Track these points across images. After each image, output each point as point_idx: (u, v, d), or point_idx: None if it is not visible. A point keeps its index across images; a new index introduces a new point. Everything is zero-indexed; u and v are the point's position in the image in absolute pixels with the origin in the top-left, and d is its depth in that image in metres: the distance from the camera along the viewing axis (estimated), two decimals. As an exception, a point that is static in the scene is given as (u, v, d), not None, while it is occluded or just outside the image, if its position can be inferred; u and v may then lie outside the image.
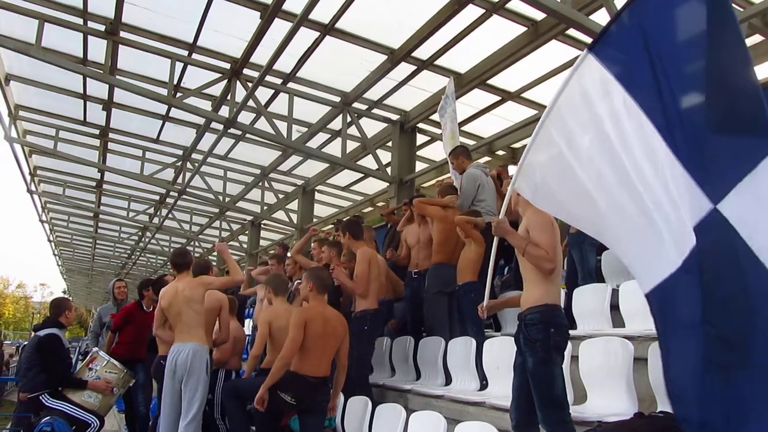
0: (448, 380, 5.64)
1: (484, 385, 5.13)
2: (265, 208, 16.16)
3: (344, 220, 8.22)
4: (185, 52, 8.99)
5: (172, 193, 15.64)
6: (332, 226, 12.80)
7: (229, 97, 9.23)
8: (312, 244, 7.78)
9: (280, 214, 16.11)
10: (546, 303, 3.33)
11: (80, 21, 8.54)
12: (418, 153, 10.88)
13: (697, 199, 2.17)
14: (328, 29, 7.79)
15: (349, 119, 10.18)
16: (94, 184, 17.07)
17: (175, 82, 9.15)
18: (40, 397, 5.58)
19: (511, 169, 7.63)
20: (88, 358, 6.22)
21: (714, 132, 2.21)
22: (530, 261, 3.36)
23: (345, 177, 13.56)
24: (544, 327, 3.28)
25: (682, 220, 2.22)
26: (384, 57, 8.39)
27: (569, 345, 4.14)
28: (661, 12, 2.41)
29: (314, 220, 14.98)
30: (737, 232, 2.08)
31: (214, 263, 21.54)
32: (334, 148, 10.99)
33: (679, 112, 2.28)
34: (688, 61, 2.33)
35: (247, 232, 18.91)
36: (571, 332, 4.57)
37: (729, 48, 2.29)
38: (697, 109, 2.26)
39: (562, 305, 5.28)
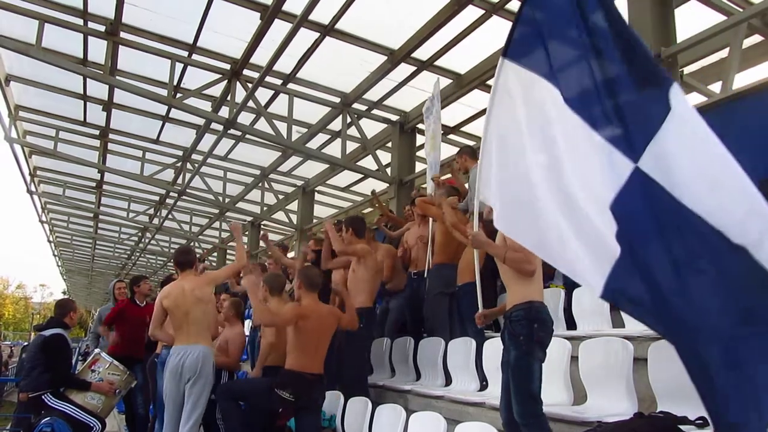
0: (448, 381, 5.64)
1: (484, 385, 5.13)
2: (264, 208, 16.16)
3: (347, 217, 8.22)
4: (185, 53, 9.00)
5: (171, 194, 15.65)
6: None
7: (229, 98, 9.23)
8: (309, 243, 7.81)
9: (280, 215, 16.12)
10: (530, 300, 3.45)
11: (80, 21, 8.56)
12: (418, 153, 10.87)
13: (618, 163, 2.20)
14: (328, 30, 7.80)
15: (348, 120, 10.19)
16: (93, 184, 17.08)
17: (175, 82, 9.16)
18: (42, 397, 5.58)
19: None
20: (90, 359, 6.22)
21: (622, 92, 2.26)
22: (511, 266, 3.48)
23: (345, 178, 13.57)
24: (528, 323, 3.40)
25: (603, 198, 2.24)
26: (384, 58, 8.40)
27: (569, 345, 4.16)
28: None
29: (314, 220, 14.98)
30: (660, 186, 2.11)
31: (214, 263, 21.58)
32: (334, 149, 10.99)
33: (591, 80, 2.33)
34: (588, 31, 2.38)
35: (246, 232, 18.88)
36: (571, 332, 4.60)
37: (612, 12, 2.36)
38: (603, 73, 2.31)
39: (562, 305, 5.34)
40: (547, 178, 2.43)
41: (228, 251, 21.05)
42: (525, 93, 2.52)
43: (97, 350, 6.56)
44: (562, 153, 2.37)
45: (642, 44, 2.31)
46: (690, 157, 2.10)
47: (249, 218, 17.54)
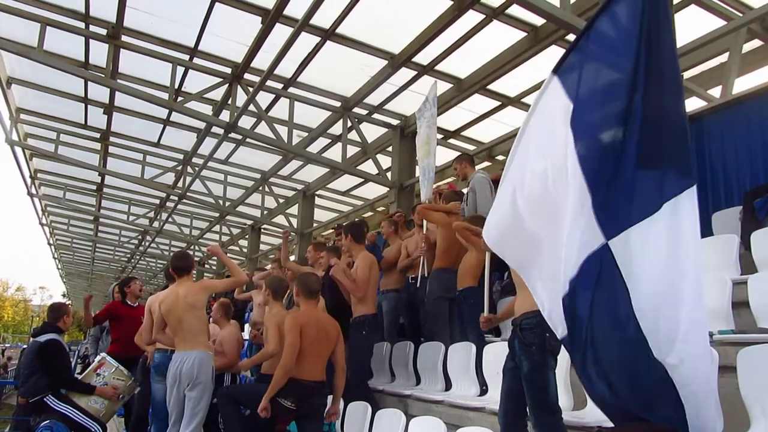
0: (448, 385, 5.63)
1: (483, 390, 5.12)
2: (265, 212, 16.17)
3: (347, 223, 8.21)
4: (186, 57, 9.02)
5: (172, 197, 15.66)
6: (333, 230, 12.78)
7: (229, 102, 9.25)
8: (308, 248, 7.79)
9: (280, 219, 16.12)
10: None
11: (82, 25, 8.58)
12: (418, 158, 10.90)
13: (593, 231, 2.21)
14: (329, 34, 7.82)
15: (349, 124, 10.20)
16: (94, 187, 17.10)
17: (176, 86, 9.18)
18: (45, 399, 5.54)
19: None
20: (95, 363, 6.18)
21: (628, 167, 2.21)
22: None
23: (345, 182, 13.58)
24: (541, 331, 3.29)
25: (570, 258, 2.27)
26: (384, 62, 8.41)
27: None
28: (609, 35, 2.36)
29: (314, 224, 14.99)
30: (619, 270, 2.16)
31: (214, 267, 21.56)
32: (335, 153, 11.00)
33: (602, 141, 2.27)
34: (625, 90, 2.24)
35: (247, 236, 18.91)
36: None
37: (665, 78, 2.22)
38: (619, 141, 2.23)
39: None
40: (547, 208, 2.43)
41: (228, 255, 21.00)
42: (562, 120, 2.41)
43: (102, 354, 6.52)
44: (563, 191, 2.35)
45: (682, 120, 2.22)
46: (650, 264, 2.14)
47: (249, 222, 17.56)
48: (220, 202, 15.27)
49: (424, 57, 8.24)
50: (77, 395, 5.73)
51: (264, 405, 4.51)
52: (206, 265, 21.45)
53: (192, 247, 20.48)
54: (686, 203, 2.12)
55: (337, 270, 5.79)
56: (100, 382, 5.92)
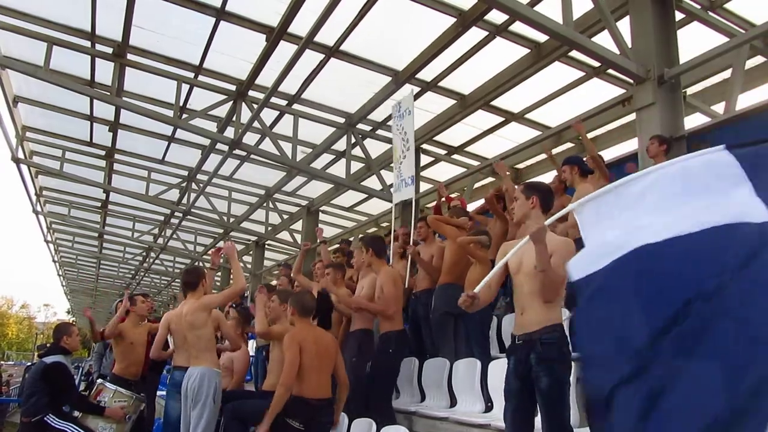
0: (453, 402, 5.59)
1: (489, 407, 5.08)
2: (269, 228, 16.17)
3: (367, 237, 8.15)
4: (191, 74, 9.08)
5: (176, 214, 15.69)
6: (338, 246, 12.74)
7: (234, 119, 9.29)
8: (316, 265, 7.78)
9: (284, 235, 16.13)
10: (558, 323, 3.25)
11: (88, 44, 8.65)
12: (422, 173, 10.91)
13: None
14: (333, 51, 7.87)
15: (353, 140, 10.22)
16: (99, 204, 17.15)
17: (181, 103, 9.22)
18: (45, 419, 5.51)
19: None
20: (93, 391, 6.12)
21: None
22: (546, 280, 3.17)
23: (349, 197, 13.59)
24: (564, 346, 3.23)
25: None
26: (388, 78, 8.45)
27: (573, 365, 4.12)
28: None
29: (318, 240, 14.95)
30: None
31: (218, 283, 21.49)
32: (339, 169, 11.02)
33: None
34: None
35: (251, 252, 18.91)
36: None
37: None
38: None
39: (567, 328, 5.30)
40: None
41: (236, 255, 20.98)
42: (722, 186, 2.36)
43: (99, 381, 6.47)
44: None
45: None
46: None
47: (253, 238, 17.56)
48: (225, 218, 15.29)
49: (427, 73, 8.28)
50: (89, 418, 5.70)
51: (265, 428, 4.45)
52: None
53: (197, 264, 20.47)
54: None
55: (358, 300, 5.70)
56: None
